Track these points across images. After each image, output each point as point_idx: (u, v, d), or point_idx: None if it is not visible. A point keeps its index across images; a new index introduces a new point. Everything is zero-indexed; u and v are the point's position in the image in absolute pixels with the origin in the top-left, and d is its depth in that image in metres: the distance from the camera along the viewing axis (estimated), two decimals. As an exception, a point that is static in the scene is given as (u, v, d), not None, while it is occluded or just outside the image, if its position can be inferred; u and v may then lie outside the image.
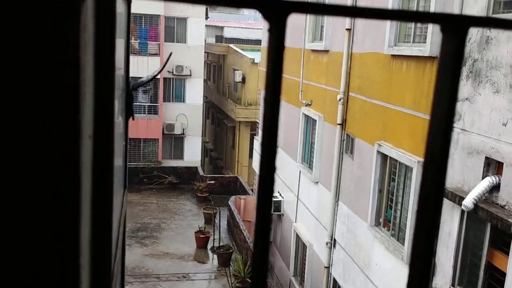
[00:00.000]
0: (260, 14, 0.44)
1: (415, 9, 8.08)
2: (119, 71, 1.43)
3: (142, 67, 24.20)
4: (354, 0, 10.02)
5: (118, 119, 1.20)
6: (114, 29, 0.70)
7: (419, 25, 8.07)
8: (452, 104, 0.43)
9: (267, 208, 0.48)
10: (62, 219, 0.44)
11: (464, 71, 6.67)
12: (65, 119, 0.41)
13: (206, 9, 26.99)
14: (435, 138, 0.44)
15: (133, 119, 1.52)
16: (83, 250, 0.50)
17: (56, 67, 0.40)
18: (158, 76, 24.95)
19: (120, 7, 1.31)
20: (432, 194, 0.46)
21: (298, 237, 13.23)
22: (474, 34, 6.40)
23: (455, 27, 0.42)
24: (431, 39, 7.34)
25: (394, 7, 8.40)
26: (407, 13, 0.42)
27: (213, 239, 17.26)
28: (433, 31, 7.33)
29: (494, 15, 6.19)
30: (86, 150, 0.48)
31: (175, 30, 25.86)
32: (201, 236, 17.44)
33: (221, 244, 17.02)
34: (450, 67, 0.42)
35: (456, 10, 6.73)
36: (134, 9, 24.36)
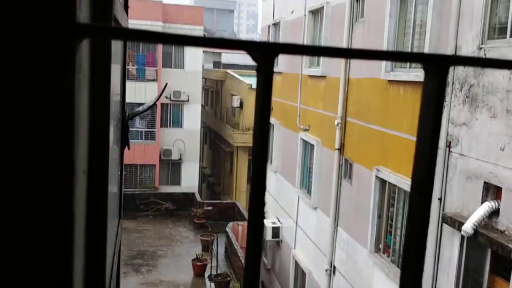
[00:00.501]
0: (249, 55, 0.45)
1: (410, 36, 8.21)
2: (115, 99, 1.45)
3: (140, 93, 24.36)
4: (350, 39, 10.15)
5: (114, 148, 1.21)
6: (109, 69, 0.72)
7: (415, 50, 8.18)
8: (435, 140, 0.44)
9: (259, 233, 0.48)
10: (54, 255, 0.44)
11: (461, 96, 6.73)
12: (59, 156, 0.42)
13: (204, 35, 27.32)
14: (419, 176, 0.45)
15: (128, 148, 1.53)
16: (76, 284, 0.50)
17: (50, 106, 0.41)
18: (156, 102, 25.06)
19: (116, 44, 1.33)
20: (419, 216, 0.47)
21: (297, 264, 13.09)
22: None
23: (436, 67, 0.44)
24: (426, 65, 7.42)
25: (390, 39, 8.54)
26: (390, 54, 0.44)
27: (211, 267, 17.04)
28: (428, 57, 7.42)
29: (489, 41, 6.29)
30: (80, 185, 0.49)
31: (172, 56, 26.13)
32: (198, 263, 17.23)
33: (218, 271, 16.81)
34: (432, 104, 0.44)
35: (451, 36, 6.83)
36: (133, 37, 24.59)
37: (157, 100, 2.71)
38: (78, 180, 0.47)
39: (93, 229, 0.62)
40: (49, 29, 0.40)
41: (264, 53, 0.42)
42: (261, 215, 0.47)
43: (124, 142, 1.46)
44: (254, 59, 0.43)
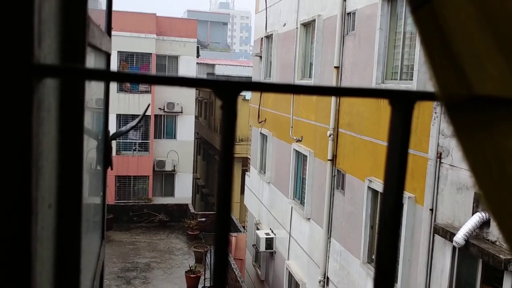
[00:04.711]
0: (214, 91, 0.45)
1: (401, 48, 8.27)
2: (97, 119, 1.44)
3: (134, 104, 24.36)
4: (341, 51, 10.21)
5: (94, 171, 1.20)
6: (82, 105, 0.71)
7: (405, 62, 8.25)
8: (402, 173, 0.44)
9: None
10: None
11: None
12: (14, 198, 0.41)
13: (197, 47, 27.43)
14: (387, 205, 0.45)
15: (111, 169, 1.53)
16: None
17: (4, 149, 0.40)
18: (150, 113, 25.06)
19: (98, 64, 1.33)
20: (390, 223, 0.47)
21: (290, 275, 13.04)
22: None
23: (402, 102, 0.44)
24: (418, 77, 7.49)
25: (380, 51, 8.60)
26: (356, 90, 0.44)
27: (204, 279, 16.95)
28: (419, 69, 7.48)
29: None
30: (44, 220, 0.49)
31: (166, 68, 26.17)
32: (192, 275, 17.12)
33: (212, 284, 16.70)
34: (399, 138, 0.44)
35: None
36: (126, 48, 24.66)
37: (139, 121, 2.72)
38: (42, 213, 0.46)
39: (64, 264, 0.61)
40: (1, 71, 0.39)
41: (228, 90, 0.42)
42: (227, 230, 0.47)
43: (106, 162, 1.46)
44: (217, 96, 0.43)
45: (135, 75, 0.39)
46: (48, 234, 0.52)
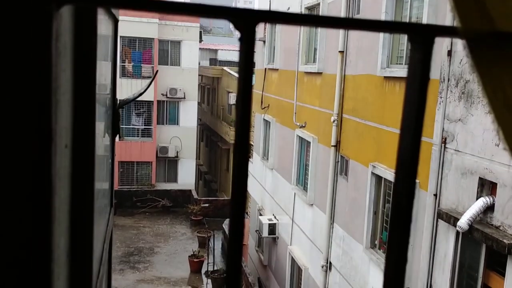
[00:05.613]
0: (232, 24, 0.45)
1: (408, 16, 8.20)
2: (106, 84, 1.44)
3: (136, 89, 24.27)
4: (346, 36, 10.13)
5: (105, 137, 1.20)
6: (95, 39, 0.71)
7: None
8: (420, 113, 0.44)
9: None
10: (32, 227, 0.43)
11: (456, 92, 6.74)
12: (35, 126, 0.41)
13: (200, 32, 27.28)
14: (404, 149, 0.45)
15: (119, 137, 1.53)
16: (57, 258, 0.49)
17: (24, 75, 0.40)
18: (152, 99, 25.03)
19: (107, 29, 1.32)
20: (403, 200, 0.47)
21: (293, 261, 13.11)
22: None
23: (421, 37, 0.43)
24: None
25: (386, 35, 8.53)
26: (373, 22, 0.43)
27: (207, 263, 17.07)
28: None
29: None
30: (61, 159, 0.49)
31: (169, 53, 26.08)
32: (195, 260, 17.25)
33: (215, 268, 16.84)
34: (418, 75, 0.43)
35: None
36: (128, 33, 24.55)
37: (148, 87, 2.72)
38: (59, 152, 0.46)
39: (79, 202, 0.61)
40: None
41: (247, 20, 0.41)
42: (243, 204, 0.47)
43: (115, 129, 1.45)
44: (236, 27, 0.42)
45: (146, 1, 0.38)
46: (65, 174, 0.52)
